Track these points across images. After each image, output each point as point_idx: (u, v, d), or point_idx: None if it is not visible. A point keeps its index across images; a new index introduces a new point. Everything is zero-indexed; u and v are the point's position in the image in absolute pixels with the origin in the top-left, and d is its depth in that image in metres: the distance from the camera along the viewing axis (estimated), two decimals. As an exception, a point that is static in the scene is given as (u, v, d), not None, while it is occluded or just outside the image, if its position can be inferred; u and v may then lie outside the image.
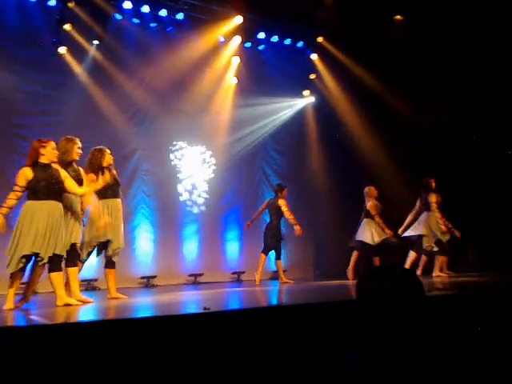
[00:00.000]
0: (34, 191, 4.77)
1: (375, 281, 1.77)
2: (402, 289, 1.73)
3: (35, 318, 4.07)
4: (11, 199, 4.76)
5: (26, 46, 7.90)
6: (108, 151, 5.83)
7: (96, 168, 5.66)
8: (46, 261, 4.75)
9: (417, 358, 1.65)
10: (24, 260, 4.72)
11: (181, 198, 9.24)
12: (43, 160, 4.87)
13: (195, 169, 9.45)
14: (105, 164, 5.73)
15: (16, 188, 4.76)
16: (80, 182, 5.22)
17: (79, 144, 5.39)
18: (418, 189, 8.22)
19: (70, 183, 4.99)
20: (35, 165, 4.84)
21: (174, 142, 9.33)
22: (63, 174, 4.98)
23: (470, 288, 5.79)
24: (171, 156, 9.29)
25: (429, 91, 9.30)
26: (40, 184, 4.78)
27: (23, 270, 4.81)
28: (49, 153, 4.90)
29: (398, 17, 9.66)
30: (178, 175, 9.31)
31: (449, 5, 8.59)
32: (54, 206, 4.84)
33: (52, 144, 4.97)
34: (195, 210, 9.36)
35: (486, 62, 8.93)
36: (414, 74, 9.34)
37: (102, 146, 5.86)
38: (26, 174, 4.79)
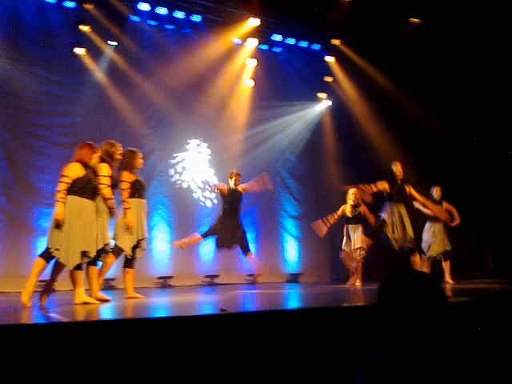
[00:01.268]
0: (83, 189, 4.91)
1: (398, 286, 1.75)
2: (425, 295, 1.72)
3: (54, 315, 4.09)
4: (65, 190, 4.85)
5: (44, 47, 8.00)
6: (140, 155, 5.93)
7: (127, 168, 5.79)
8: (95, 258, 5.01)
9: (436, 364, 1.63)
10: (83, 256, 4.85)
11: (198, 201, 9.28)
12: (90, 163, 5.06)
13: (212, 170, 9.47)
14: (135, 168, 5.85)
15: (67, 180, 4.86)
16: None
17: (121, 150, 5.56)
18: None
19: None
20: (84, 165, 5.00)
21: (190, 143, 9.36)
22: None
23: (485, 295, 5.71)
24: (187, 157, 9.32)
25: (447, 95, 9.23)
26: (90, 185, 4.96)
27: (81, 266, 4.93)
28: (96, 159, 5.12)
29: (415, 20, 9.61)
30: (195, 177, 9.34)
31: (465, 7, 8.52)
32: (93, 207, 5.02)
33: (99, 152, 5.20)
34: (211, 211, 9.38)
35: (503, 65, 8.85)
36: (432, 78, 9.27)
37: (135, 149, 5.94)
38: (77, 169, 4.93)
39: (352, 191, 7.95)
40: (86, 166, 5.01)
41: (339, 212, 8.04)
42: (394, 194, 7.38)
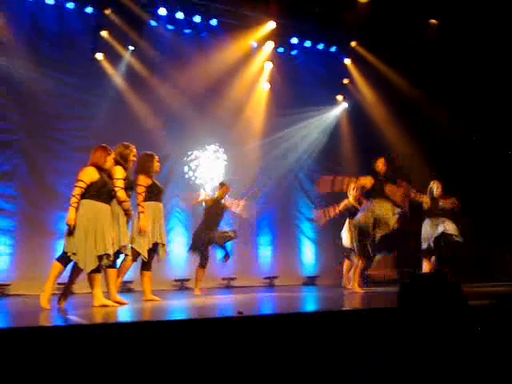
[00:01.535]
0: (98, 193, 4.92)
1: (418, 290, 1.75)
2: (446, 298, 1.71)
3: (72, 317, 4.14)
4: (79, 195, 4.87)
5: (64, 52, 8.12)
6: (157, 158, 5.92)
7: (143, 172, 5.78)
8: (111, 261, 4.98)
9: (455, 364, 1.63)
10: (100, 259, 4.87)
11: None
12: (105, 166, 5.06)
13: (228, 175, 9.50)
14: (152, 172, 5.83)
15: (81, 184, 4.87)
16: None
17: (135, 152, 5.54)
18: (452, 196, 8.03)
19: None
20: (99, 168, 5.00)
21: (207, 147, 9.40)
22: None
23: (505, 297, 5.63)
24: (203, 160, 9.37)
25: (466, 97, 9.13)
26: (105, 188, 4.97)
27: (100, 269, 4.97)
28: (110, 161, 5.11)
29: (433, 20, 9.53)
30: (211, 179, 9.39)
31: (484, 8, 8.44)
32: (109, 210, 5.04)
33: (113, 154, 5.16)
34: (227, 214, 9.41)
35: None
36: (450, 79, 9.19)
37: (151, 152, 5.93)
38: (92, 173, 4.94)
39: (353, 186, 7.68)
40: (100, 169, 5.02)
41: (341, 207, 7.70)
42: (378, 191, 6.95)
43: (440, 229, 7.33)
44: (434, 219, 7.40)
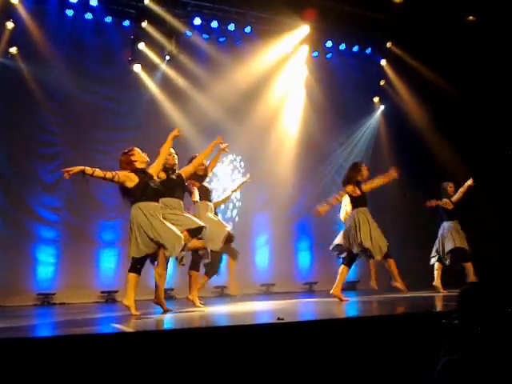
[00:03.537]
0: (143, 194, 4.91)
1: (478, 295, 1.78)
2: (505, 305, 1.75)
3: (115, 326, 4.22)
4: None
5: (103, 65, 8.31)
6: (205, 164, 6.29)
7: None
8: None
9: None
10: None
11: (251, 208, 9.35)
12: (138, 165, 5.04)
13: (265, 180, 9.52)
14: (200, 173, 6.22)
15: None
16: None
17: (175, 157, 5.75)
18: (495, 200, 7.84)
19: None
20: (136, 171, 4.99)
21: (245, 154, 9.45)
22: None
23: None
24: (242, 166, 9.42)
25: (508, 95, 8.89)
26: (148, 187, 4.94)
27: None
28: (139, 157, 5.07)
29: (471, 17, 9.33)
30: (250, 186, 9.42)
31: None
32: (158, 207, 5.01)
33: (136, 149, 5.14)
34: (265, 220, 9.44)
35: None
36: (490, 77, 8.97)
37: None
38: (131, 177, 4.92)
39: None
40: (136, 171, 4.99)
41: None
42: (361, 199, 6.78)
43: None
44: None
